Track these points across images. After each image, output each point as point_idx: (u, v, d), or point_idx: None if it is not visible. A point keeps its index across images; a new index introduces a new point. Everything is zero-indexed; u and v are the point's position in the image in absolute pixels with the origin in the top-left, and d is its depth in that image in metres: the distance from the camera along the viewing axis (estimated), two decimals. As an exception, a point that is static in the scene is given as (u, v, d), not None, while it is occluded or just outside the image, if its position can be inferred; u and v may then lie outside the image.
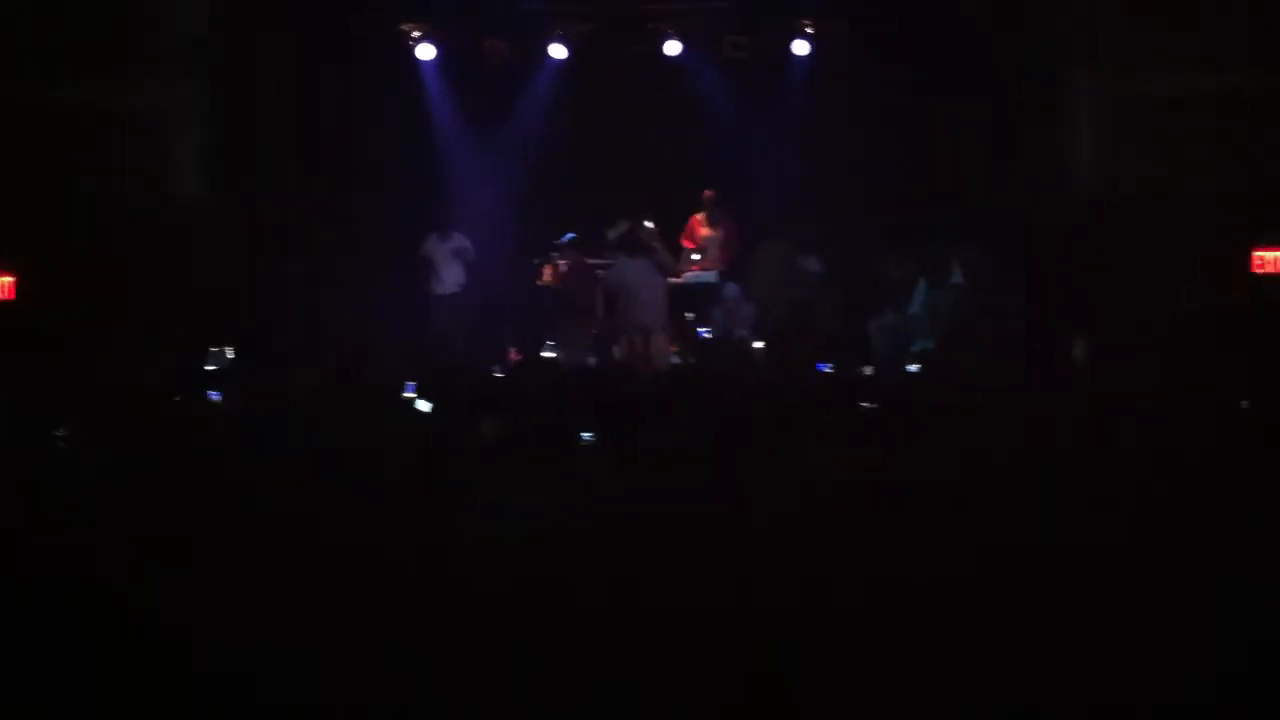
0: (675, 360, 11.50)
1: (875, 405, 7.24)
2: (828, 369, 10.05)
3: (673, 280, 12.41)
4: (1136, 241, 10.85)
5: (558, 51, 12.93)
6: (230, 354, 10.06)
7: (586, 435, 6.07)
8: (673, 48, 12.89)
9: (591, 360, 11.38)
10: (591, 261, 12.52)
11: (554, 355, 11.50)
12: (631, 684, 3.59)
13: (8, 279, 10.48)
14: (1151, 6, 11.38)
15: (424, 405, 7.03)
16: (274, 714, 3.61)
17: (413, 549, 4.29)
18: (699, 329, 12.20)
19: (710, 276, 12.54)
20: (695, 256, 12.62)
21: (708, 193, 12.67)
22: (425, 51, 12.82)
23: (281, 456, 5.50)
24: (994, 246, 11.58)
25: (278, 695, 3.60)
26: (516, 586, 3.97)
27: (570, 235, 12.42)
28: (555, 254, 12.45)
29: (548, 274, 12.77)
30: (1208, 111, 11.13)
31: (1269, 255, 10.95)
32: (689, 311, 12.33)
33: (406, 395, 7.34)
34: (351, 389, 7.61)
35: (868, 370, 10.07)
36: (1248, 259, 11.02)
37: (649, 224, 11.94)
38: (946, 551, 4.05)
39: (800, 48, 12.84)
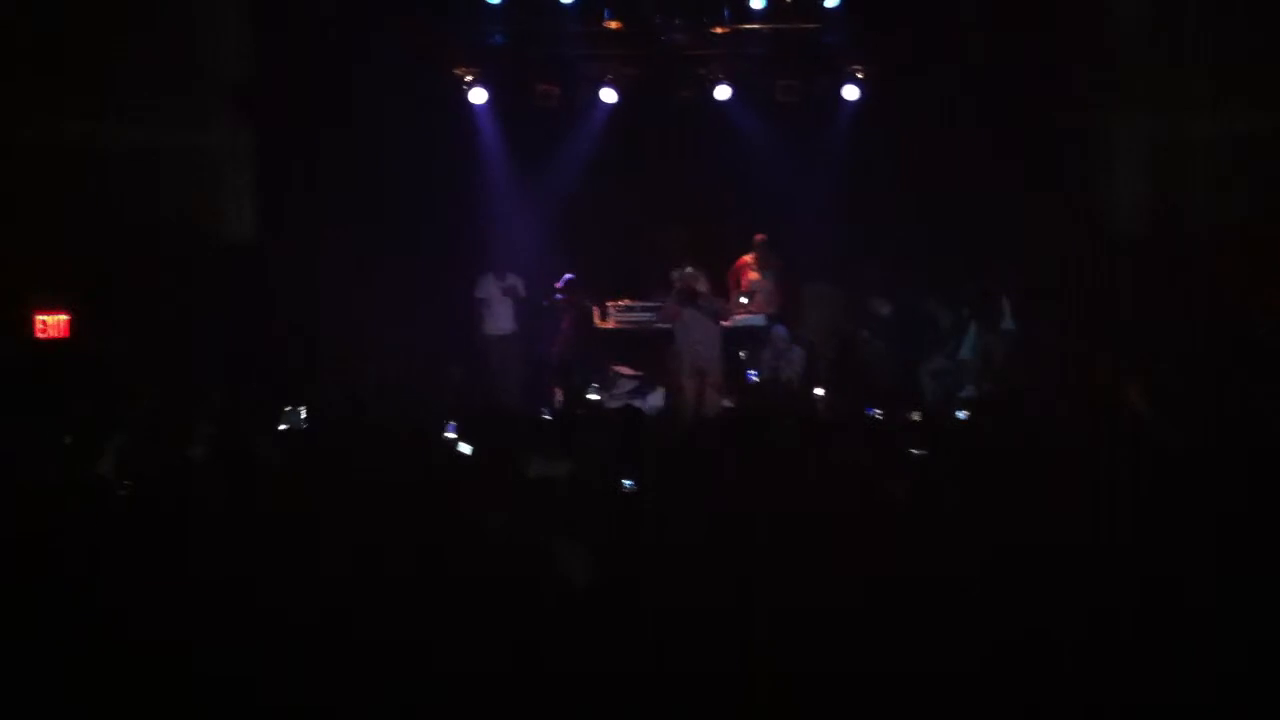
0: (727, 404, 11.45)
1: (925, 452, 7.18)
2: (877, 414, 9.94)
3: (722, 324, 12.46)
4: (1179, 279, 10.75)
5: (608, 96, 13.01)
6: (304, 414, 10.17)
7: (628, 483, 6.04)
8: (722, 93, 12.94)
9: (643, 404, 11.38)
10: (618, 305, 12.48)
11: (598, 398, 11.47)
12: (632, 684, 3.58)
13: (63, 317, 10.59)
14: (1184, 50, 11.31)
15: (465, 448, 7.03)
16: (274, 714, 3.61)
17: (416, 551, 4.32)
18: (747, 371, 12.14)
19: (759, 319, 12.51)
20: (744, 300, 12.60)
21: (759, 236, 12.67)
22: (478, 95, 12.95)
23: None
24: (1038, 289, 11.51)
25: (278, 696, 3.60)
26: (518, 587, 3.98)
27: (568, 277, 12.40)
28: (556, 296, 12.46)
29: (595, 316, 12.80)
30: (1244, 152, 11.04)
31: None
32: (740, 354, 12.29)
33: (448, 436, 7.33)
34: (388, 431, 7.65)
35: (916, 416, 9.97)
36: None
37: (690, 269, 11.96)
38: (948, 552, 4.04)
39: (850, 93, 12.85)
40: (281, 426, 9.85)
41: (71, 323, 10.61)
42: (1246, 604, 3.74)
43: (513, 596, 3.98)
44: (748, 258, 12.78)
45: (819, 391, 11.48)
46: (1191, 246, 11.04)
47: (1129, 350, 10.41)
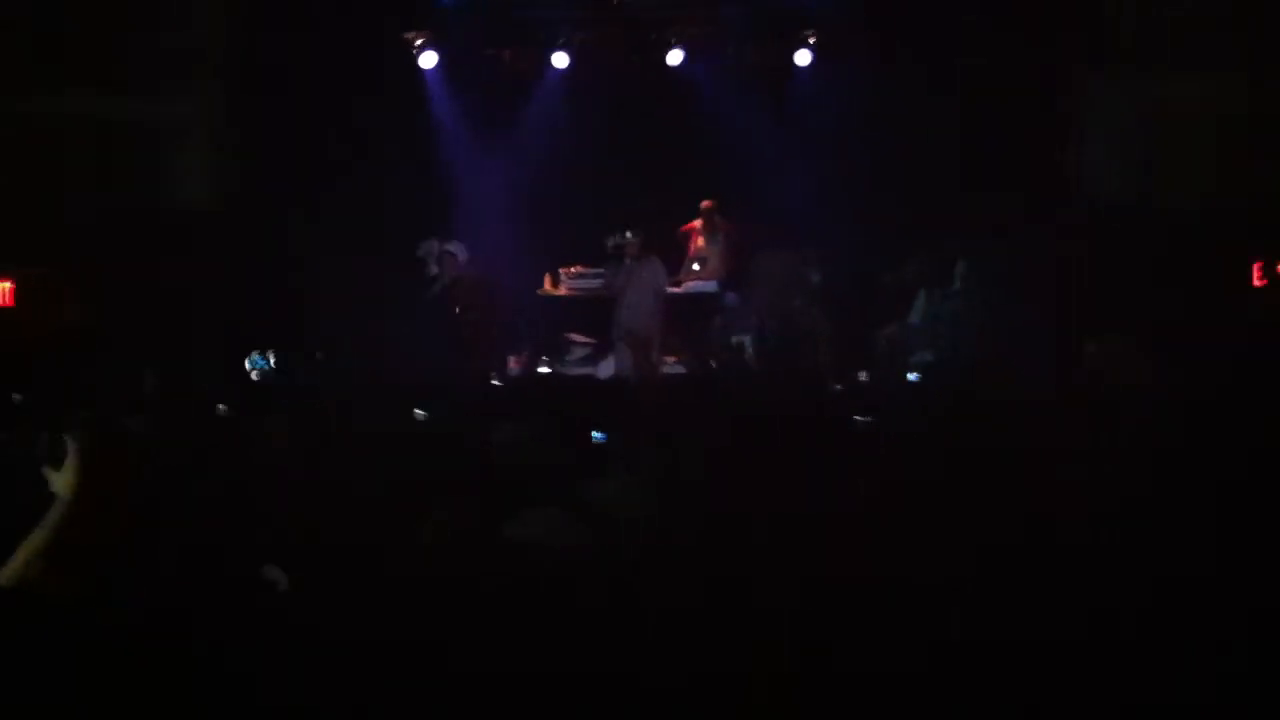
0: (676, 369, 11.47)
1: (871, 419, 7.23)
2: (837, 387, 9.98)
3: (672, 290, 12.42)
4: (1146, 255, 10.80)
5: (560, 60, 12.93)
6: (274, 360, 10.07)
7: (598, 435, 6.05)
8: (674, 57, 12.88)
9: (596, 371, 11.41)
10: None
11: (550, 370, 11.42)
12: (632, 684, 3.59)
13: (6, 284, 10.44)
14: (1162, 19, 11.31)
15: (419, 413, 7.02)
16: (274, 714, 3.61)
17: (414, 549, 4.32)
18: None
19: (710, 286, 12.52)
20: (695, 266, 12.61)
21: (705, 202, 12.67)
22: (427, 59, 12.83)
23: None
24: (1000, 256, 11.55)
25: (278, 696, 3.60)
26: (518, 586, 3.98)
27: (454, 244, 12.22)
28: (435, 265, 12.15)
29: (548, 283, 12.76)
30: (1219, 125, 11.04)
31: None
32: (688, 321, 12.30)
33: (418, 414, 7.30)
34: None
35: (863, 376, 10.04)
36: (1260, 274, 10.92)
37: (629, 234, 11.94)
38: (946, 553, 4.07)
39: (802, 58, 12.83)
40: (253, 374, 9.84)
41: (15, 291, 10.47)
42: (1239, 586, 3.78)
43: (512, 596, 4.00)
44: (695, 223, 12.79)
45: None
46: (1165, 217, 11.05)
47: (1091, 318, 10.47)
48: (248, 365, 10.08)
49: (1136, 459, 5.47)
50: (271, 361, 10.17)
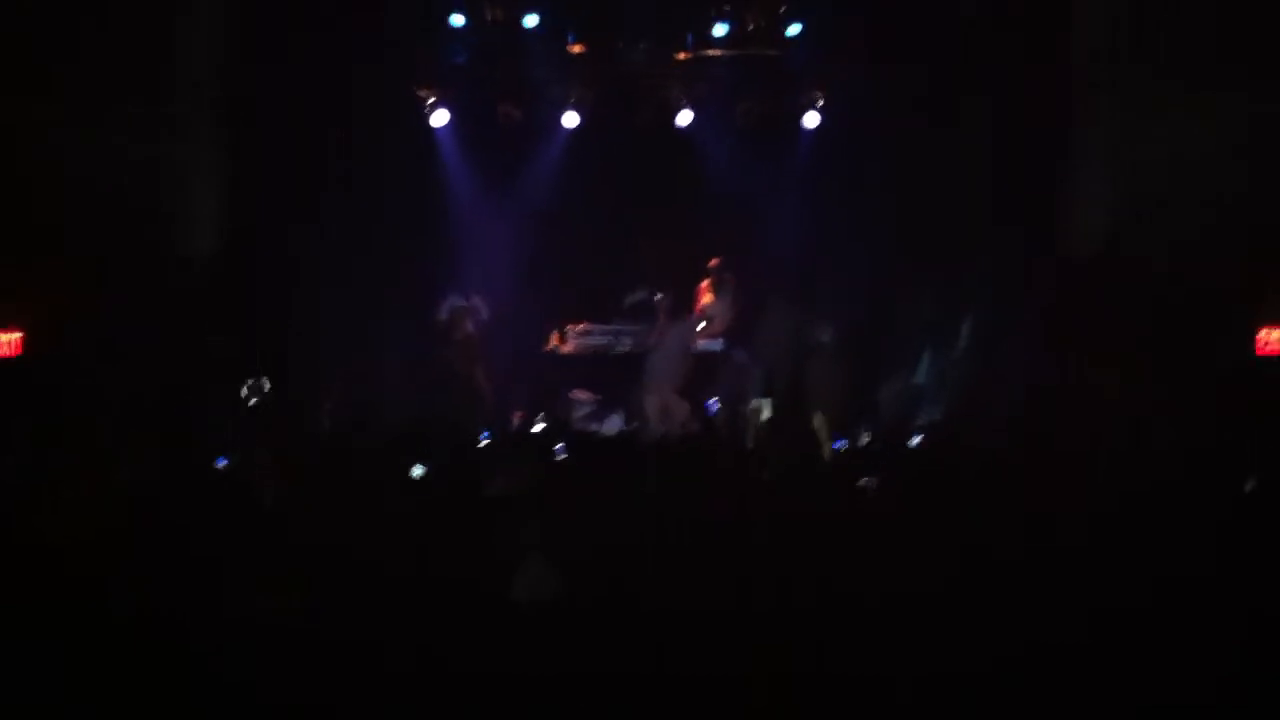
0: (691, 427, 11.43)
1: (875, 480, 7.20)
2: (841, 445, 9.97)
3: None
4: (1140, 307, 10.76)
5: (570, 120, 13.05)
6: (267, 384, 10.09)
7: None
8: (684, 118, 13.00)
9: (600, 427, 11.39)
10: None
11: (543, 426, 11.38)
12: (633, 684, 3.59)
13: (15, 335, 10.40)
14: (1157, 55, 11.33)
15: (417, 470, 7.01)
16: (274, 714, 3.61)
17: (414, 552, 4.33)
18: (707, 402, 12.11)
19: (716, 345, 12.54)
20: (701, 325, 12.64)
21: (713, 261, 12.74)
22: (439, 117, 12.95)
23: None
24: (1000, 308, 11.54)
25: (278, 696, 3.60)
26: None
27: (456, 302, 12.27)
28: (444, 322, 12.23)
29: (554, 340, 12.79)
30: (1216, 172, 10.96)
31: (1275, 335, 10.76)
32: (696, 380, 12.29)
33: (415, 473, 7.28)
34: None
35: (865, 438, 10.00)
36: (1251, 337, 10.84)
37: (659, 295, 12.01)
38: (946, 560, 4.09)
39: (810, 120, 12.93)
40: (251, 400, 9.88)
41: (25, 340, 10.44)
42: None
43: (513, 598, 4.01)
44: (704, 283, 12.84)
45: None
46: (1158, 261, 11.01)
47: (1100, 369, 10.44)
48: (244, 393, 10.17)
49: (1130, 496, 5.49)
50: (266, 387, 10.24)
